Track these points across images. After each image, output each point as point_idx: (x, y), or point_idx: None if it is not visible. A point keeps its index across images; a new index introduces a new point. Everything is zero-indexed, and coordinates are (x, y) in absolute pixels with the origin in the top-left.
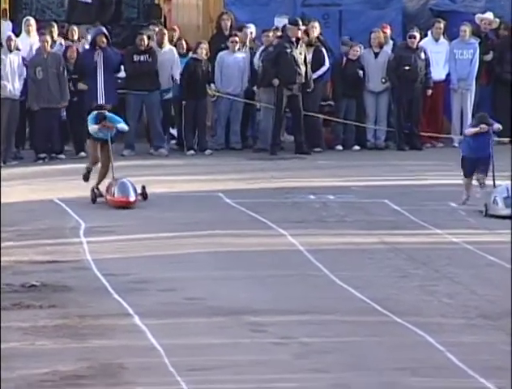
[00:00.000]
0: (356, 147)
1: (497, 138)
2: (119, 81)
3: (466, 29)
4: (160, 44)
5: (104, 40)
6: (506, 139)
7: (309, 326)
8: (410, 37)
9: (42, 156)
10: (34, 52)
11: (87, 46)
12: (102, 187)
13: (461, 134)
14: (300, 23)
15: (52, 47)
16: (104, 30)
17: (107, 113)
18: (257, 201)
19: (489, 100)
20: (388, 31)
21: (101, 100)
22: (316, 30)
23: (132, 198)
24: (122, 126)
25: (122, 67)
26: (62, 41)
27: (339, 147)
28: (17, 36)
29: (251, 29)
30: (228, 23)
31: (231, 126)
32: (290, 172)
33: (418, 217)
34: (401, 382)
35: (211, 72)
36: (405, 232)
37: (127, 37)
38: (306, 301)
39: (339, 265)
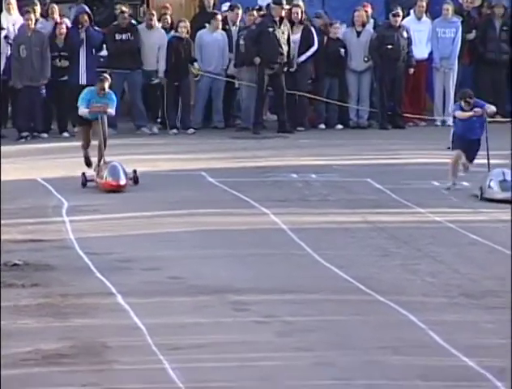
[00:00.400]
0: (339, 126)
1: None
2: (101, 60)
3: (448, 8)
4: (150, 27)
5: (87, 18)
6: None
7: (292, 305)
8: (394, 16)
9: (24, 134)
10: (16, 30)
11: (68, 24)
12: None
13: (444, 113)
14: (284, 2)
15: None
16: (87, 9)
17: (107, 89)
18: (239, 180)
19: (472, 79)
20: (369, 9)
21: (82, 80)
22: (301, 9)
23: (122, 181)
24: (111, 111)
25: (104, 46)
26: (43, 20)
27: (322, 126)
28: None
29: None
30: (212, 1)
31: (213, 105)
32: (273, 151)
33: (400, 196)
34: (384, 360)
35: (193, 51)
36: (388, 211)
37: (109, 16)
38: (289, 280)
39: (322, 244)
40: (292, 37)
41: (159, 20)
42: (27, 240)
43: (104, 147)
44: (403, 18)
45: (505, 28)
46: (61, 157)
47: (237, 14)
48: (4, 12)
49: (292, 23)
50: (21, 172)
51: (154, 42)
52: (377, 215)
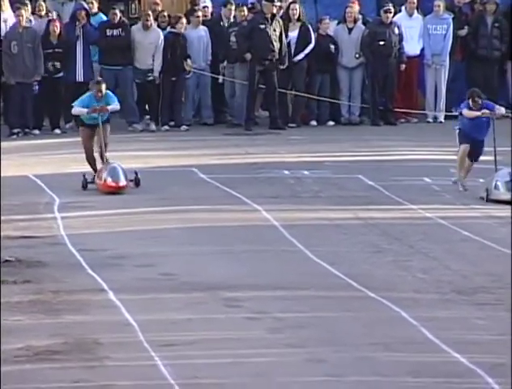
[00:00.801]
0: (331, 123)
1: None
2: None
3: (440, 4)
4: (146, 27)
5: (84, 15)
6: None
7: (284, 301)
8: (385, 12)
9: (16, 131)
10: (8, 27)
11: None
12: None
13: (435, 109)
14: None
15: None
16: (85, 5)
17: (104, 90)
18: (231, 176)
19: (464, 75)
20: (357, 6)
21: (79, 77)
22: (299, 6)
23: (122, 182)
24: (114, 106)
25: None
26: (32, 17)
27: (314, 123)
28: None
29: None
30: None
31: (201, 101)
32: (265, 147)
33: (392, 192)
34: (375, 357)
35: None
36: (379, 208)
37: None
38: (281, 277)
39: (314, 240)
40: (289, 35)
41: (155, 19)
42: (18, 236)
43: (105, 150)
44: (395, 14)
45: (496, 25)
46: (52, 154)
47: (230, 10)
48: None
49: (289, 21)
50: (13, 168)
51: (150, 42)
52: (368, 211)
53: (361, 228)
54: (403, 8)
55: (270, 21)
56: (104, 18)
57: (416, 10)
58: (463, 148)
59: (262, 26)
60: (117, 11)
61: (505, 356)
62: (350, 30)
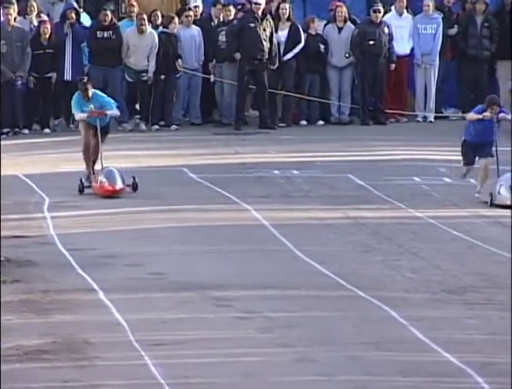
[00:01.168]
0: (321, 122)
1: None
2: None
3: (429, 4)
4: (141, 32)
5: (74, 15)
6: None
7: (274, 300)
8: (374, 11)
9: (5, 130)
10: None
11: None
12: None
13: (425, 108)
14: None
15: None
16: (76, 5)
17: (93, 90)
18: (221, 176)
19: (454, 74)
20: (344, 8)
21: (68, 76)
22: (289, 5)
23: (119, 186)
24: (113, 112)
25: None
26: (20, 18)
27: (304, 122)
28: None
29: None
30: None
31: (190, 101)
32: (254, 147)
33: (382, 192)
34: (365, 356)
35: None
36: (369, 207)
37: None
38: (270, 276)
39: (304, 240)
40: (279, 34)
41: (149, 20)
42: (8, 236)
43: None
44: (385, 14)
45: (486, 25)
46: (42, 153)
47: (220, 9)
48: None
49: (279, 20)
50: (2, 168)
51: (146, 45)
52: (358, 211)
53: (351, 228)
54: (392, 8)
55: (260, 20)
56: (88, 18)
57: (405, 10)
58: (484, 165)
59: (252, 25)
60: (108, 12)
61: (494, 356)
62: (340, 29)
